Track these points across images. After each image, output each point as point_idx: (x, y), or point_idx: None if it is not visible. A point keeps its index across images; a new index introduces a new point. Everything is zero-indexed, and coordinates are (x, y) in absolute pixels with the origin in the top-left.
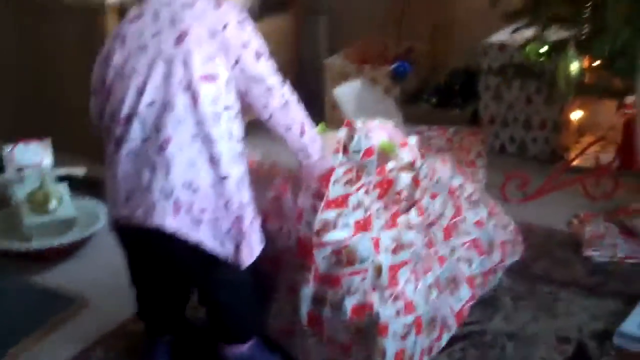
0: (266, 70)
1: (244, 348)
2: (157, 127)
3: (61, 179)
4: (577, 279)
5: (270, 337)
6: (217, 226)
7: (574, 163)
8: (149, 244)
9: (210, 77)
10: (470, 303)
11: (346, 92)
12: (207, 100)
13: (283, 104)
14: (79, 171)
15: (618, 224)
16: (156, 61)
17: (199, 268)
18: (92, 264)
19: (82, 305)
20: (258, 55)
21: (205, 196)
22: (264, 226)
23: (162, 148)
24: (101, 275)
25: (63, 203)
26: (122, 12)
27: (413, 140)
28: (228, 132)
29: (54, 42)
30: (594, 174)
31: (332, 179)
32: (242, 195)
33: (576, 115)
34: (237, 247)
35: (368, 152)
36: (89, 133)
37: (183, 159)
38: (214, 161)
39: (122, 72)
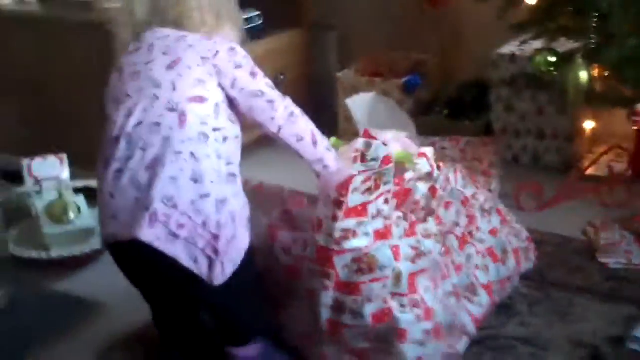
0: (264, 85)
1: (250, 350)
2: (143, 146)
3: (78, 190)
4: (592, 286)
5: (289, 343)
6: (193, 243)
7: (588, 172)
8: (135, 259)
9: (199, 99)
10: (488, 310)
11: (358, 102)
12: (195, 120)
13: (289, 114)
14: (95, 183)
15: (633, 231)
16: (146, 85)
17: (185, 279)
18: (109, 272)
19: (100, 311)
20: (253, 74)
21: (184, 212)
22: (273, 239)
23: (147, 166)
24: (118, 283)
25: (81, 214)
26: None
27: (430, 151)
28: (215, 152)
29: (65, 58)
30: (607, 183)
31: (351, 187)
32: (221, 215)
33: (589, 124)
34: (210, 265)
35: (386, 159)
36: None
37: (166, 175)
38: (195, 179)
39: (117, 98)
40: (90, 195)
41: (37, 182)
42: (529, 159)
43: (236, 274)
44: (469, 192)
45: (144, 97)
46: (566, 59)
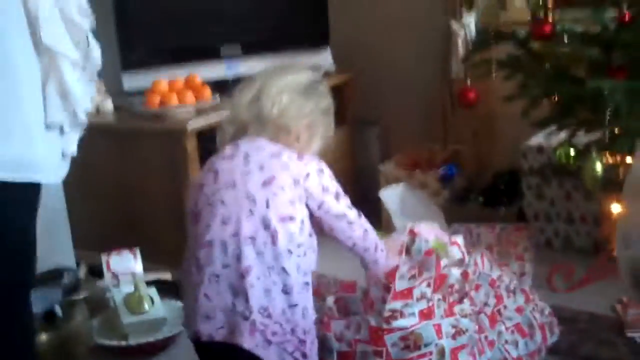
0: (345, 208)
1: None
2: (238, 256)
3: (150, 283)
4: (620, 359)
5: None
6: (284, 347)
7: (615, 253)
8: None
9: (288, 218)
10: None
11: (390, 195)
12: (284, 238)
13: (363, 233)
14: (166, 276)
15: None
16: (243, 198)
17: None
18: (182, 358)
19: None
20: (337, 197)
21: (277, 321)
22: (328, 329)
23: (242, 276)
24: None
25: (154, 304)
26: (199, 135)
27: (460, 239)
28: (297, 265)
29: (141, 163)
30: None
31: (398, 274)
32: (306, 322)
33: (615, 208)
34: None
35: (428, 252)
36: (169, 242)
37: (261, 287)
38: (286, 291)
39: (212, 201)
40: (161, 287)
41: (115, 276)
42: (560, 242)
43: None
44: (495, 274)
45: (239, 209)
46: (583, 151)
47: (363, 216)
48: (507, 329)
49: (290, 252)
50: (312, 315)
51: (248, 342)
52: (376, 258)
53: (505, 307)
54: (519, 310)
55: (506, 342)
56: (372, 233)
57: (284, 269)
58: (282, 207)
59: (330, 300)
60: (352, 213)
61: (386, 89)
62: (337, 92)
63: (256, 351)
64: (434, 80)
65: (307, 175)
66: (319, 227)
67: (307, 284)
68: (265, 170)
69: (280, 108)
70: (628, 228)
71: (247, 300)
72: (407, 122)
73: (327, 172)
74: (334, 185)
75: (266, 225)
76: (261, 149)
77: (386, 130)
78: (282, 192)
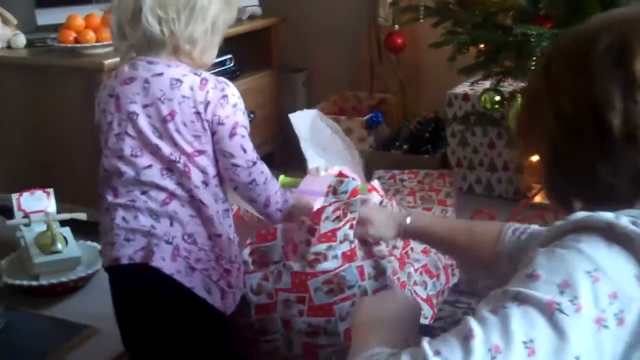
0: (237, 148)
1: None
2: (157, 185)
3: (65, 223)
4: None
5: None
6: (208, 276)
7: (535, 200)
8: (142, 286)
9: (197, 152)
10: (433, 319)
11: (301, 118)
12: (198, 171)
13: (249, 182)
14: (80, 216)
15: None
16: (148, 131)
17: (186, 313)
18: (96, 298)
19: (91, 333)
20: (232, 134)
21: (201, 248)
22: (243, 285)
23: (164, 203)
24: (105, 307)
25: (68, 244)
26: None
27: (377, 183)
28: (215, 196)
29: (55, 101)
30: (552, 209)
31: (323, 216)
32: (231, 252)
33: (536, 156)
34: (223, 296)
35: (353, 192)
36: (86, 183)
37: (184, 215)
38: (208, 221)
39: (118, 132)
40: (76, 227)
41: (26, 215)
42: (482, 189)
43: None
44: None
45: (146, 144)
46: (508, 98)
47: (261, 165)
48: (415, 270)
49: (205, 184)
50: (236, 243)
51: (169, 268)
52: (267, 214)
53: (412, 249)
54: (424, 252)
55: (415, 283)
56: (265, 188)
57: (201, 201)
58: (189, 142)
59: (245, 252)
60: (243, 157)
61: (313, 35)
62: (263, 37)
63: (177, 277)
64: (361, 26)
65: (208, 104)
66: None
67: (227, 210)
68: (166, 103)
69: (168, 25)
70: None
71: (170, 226)
72: (333, 68)
73: (231, 100)
74: (233, 120)
75: (176, 159)
76: (160, 75)
77: (312, 77)
78: (184, 128)
